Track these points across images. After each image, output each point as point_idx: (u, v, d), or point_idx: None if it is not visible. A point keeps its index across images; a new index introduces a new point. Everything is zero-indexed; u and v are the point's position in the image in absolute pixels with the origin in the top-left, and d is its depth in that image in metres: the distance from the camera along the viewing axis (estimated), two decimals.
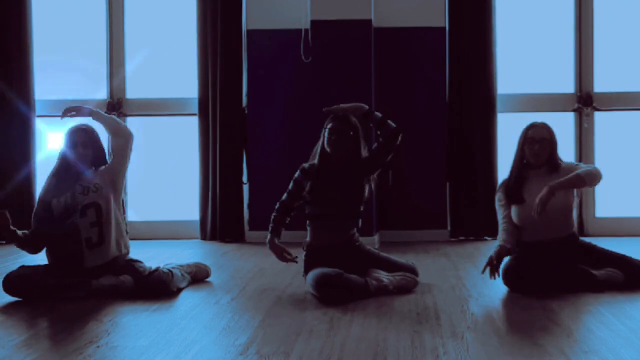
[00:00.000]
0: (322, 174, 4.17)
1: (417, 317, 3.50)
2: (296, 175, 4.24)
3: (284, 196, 4.26)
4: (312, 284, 3.95)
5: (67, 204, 4.09)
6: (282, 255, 4.21)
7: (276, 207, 4.28)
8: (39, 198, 4.21)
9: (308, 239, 4.24)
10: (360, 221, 4.30)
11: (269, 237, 4.26)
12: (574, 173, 4.06)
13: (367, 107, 4.21)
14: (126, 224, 4.26)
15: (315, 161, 4.23)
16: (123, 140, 4.28)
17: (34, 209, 4.22)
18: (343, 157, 4.19)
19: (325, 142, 4.18)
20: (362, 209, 4.27)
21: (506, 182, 4.27)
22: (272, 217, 4.28)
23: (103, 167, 4.23)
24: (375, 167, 4.25)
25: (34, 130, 6.50)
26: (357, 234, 4.29)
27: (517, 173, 4.22)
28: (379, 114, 4.23)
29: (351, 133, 4.16)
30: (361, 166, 4.20)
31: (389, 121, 4.23)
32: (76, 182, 4.13)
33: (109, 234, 4.12)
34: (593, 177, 4.07)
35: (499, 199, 4.27)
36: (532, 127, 4.22)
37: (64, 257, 4.11)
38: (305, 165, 4.24)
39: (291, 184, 4.24)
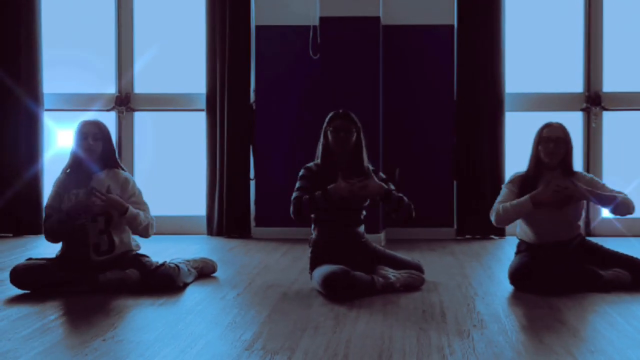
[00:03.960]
0: (327, 173, 4.16)
1: (423, 314, 3.50)
2: (302, 172, 4.22)
3: (297, 194, 4.13)
4: (318, 282, 3.95)
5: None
6: (352, 183, 4.01)
7: (294, 200, 4.11)
8: (54, 190, 4.17)
9: (313, 235, 4.24)
10: (363, 226, 4.30)
11: (319, 197, 4.03)
12: (615, 193, 4.08)
13: (387, 188, 4.11)
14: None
15: (319, 161, 4.23)
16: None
17: (48, 200, 4.17)
18: (347, 154, 4.19)
19: (332, 141, 4.17)
20: (366, 205, 4.27)
21: (523, 177, 4.22)
22: (298, 203, 4.07)
23: (125, 183, 4.16)
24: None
25: (42, 126, 6.52)
26: (362, 231, 4.29)
27: (534, 171, 4.19)
28: (397, 194, 4.14)
29: (354, 130, 4.18)
30: (360, 172, 4.17)
31: (405, 200, 4.14)
32: (89, 181, 4.10)
33: (120, 241, 4.12)
34: (627, 206, 4.09)
35: (510, 188, 4.21)
36: (548, 126, 4.20)
37: (71, 256, 4.11)
38: (310, 164, 4.24)
39: (300, 182, 4.18)
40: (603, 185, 4.20)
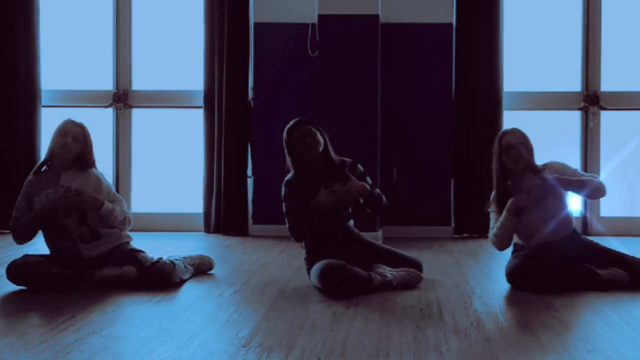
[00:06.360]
0: (305, 182, 4.16)
1: (420, 312, 3.50)
2: (285, 191, 4.19)
3: (289, 220, 4.13)
4: (315, 276, 3.95)
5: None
6: (334, 190, 4.03)
7: (290, 229, 4.14)
8: (23, 191, 4.15)
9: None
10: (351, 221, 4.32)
11: (313, 208, 4.05)
12: (584, 178, 4.10)
13: (368, 187, 4.12)
14: (125, 211, 4.15)
15: (293, 172, 4.22)
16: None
17: (16, 202, 4.15)
18: (318, 157, 4.18)
19: (301, 150, 4.16)
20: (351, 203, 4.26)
21: (494, 197, 4.26)
22: (295, 232, 4.13)
23: (97, 181, 4.13)
24: None
25: (40, 123, 6.50)
26: (352, 225, 4.31)
27: (502, 184, 4.21)
28: (378, 191, 4.19)
29: (315, 130, 4.18)
30: (337, 170, 4.16)
31: (384, 198, 4.20)
32: (58, 179, 4.08)
33: (102, 228, 4.11)
34: (596, 189, 4.12)
35: (492, 210, 4.27)
36: (505, 134, 4.24)
37: (61, 250, 4.11)
38: (289, 177, 4.22)
39: (287, 204, 4.16)
40: (575, 170, 4.22)
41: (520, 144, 4.18)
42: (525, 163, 4.19)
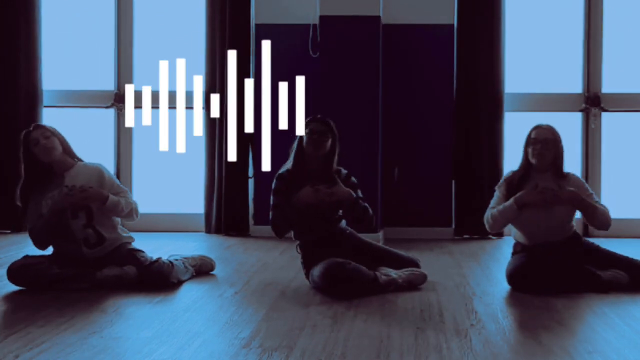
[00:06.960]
0: (298, 178, 4.15)
1: (421, 314, 3.50)
2: (275, 185, 4.18)
3: (273, 213, 4.12)
4: (318, 275, 3.93)
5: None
6: (318, 190, 4.00)
7: (271, 221, 4.14)
8: (32, 201, 4.13)
9: (299, 242, 4.24)
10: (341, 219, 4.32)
11: (294, 202, 4.03)
12: (597, 205, 4.08)
13: (355, 196, 4.11)
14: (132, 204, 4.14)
15: (290, 166, 4.21)
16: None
17: (27, 211, 4.13)
18: (319, 159, 4.17)
19: (306, 142, 4.15)
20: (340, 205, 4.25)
21: (510, 178, 4.24)
22: (275, 226, 4.11)
23: (100, 175, 4.13)
24: None
25: (41, 123, 6.48)
26: (344, 225, 4.31)
27: (522, 173, 4.20)
28: (363, 204, 4.14)
29: (330, 136, 4.16)
30: (328, 174, 4.16)
31: (370, 212, 4.15)
32: (62, 180, 4.07)
33: (107, 231, 4.11)
34: (605, 220, 4.10)
35: (501, 191, 4.23)
36: (537, 128, 4.21)
37: (63, 251, 4.11)
38: (282, 171, 4.22)
39: (274, 198, 4.15)
40: (591, 194, 4.19)
41: (546, 140, 4.14)
42: (549, 162, 4.16)
